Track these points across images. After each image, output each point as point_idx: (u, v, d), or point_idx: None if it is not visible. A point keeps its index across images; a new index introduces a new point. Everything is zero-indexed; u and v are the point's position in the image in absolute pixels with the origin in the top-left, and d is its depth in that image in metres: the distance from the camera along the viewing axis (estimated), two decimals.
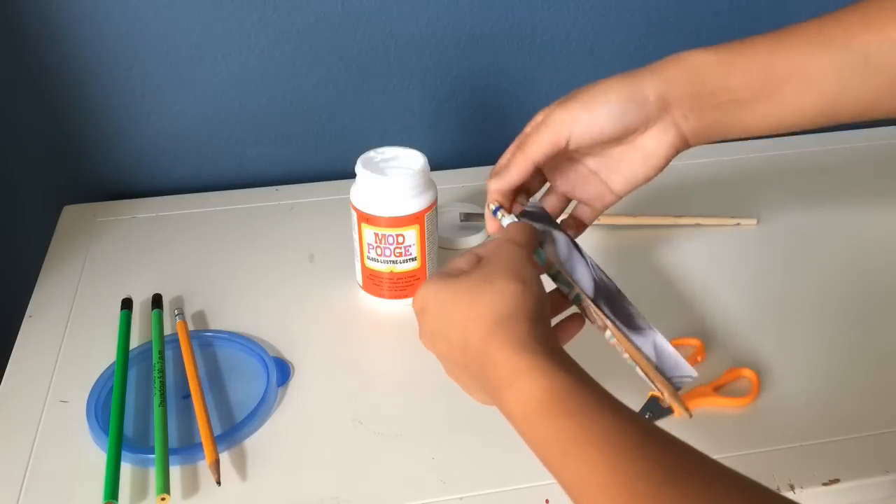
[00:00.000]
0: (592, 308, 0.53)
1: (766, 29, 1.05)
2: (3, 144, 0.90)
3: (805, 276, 0.78)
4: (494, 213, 0.56)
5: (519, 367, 0.44)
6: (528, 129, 0.57)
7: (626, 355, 0.52)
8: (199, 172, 0.95)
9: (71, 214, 0.89)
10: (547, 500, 0.57)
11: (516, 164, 0.55)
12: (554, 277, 0.54)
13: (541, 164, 0.55)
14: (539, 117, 0.56)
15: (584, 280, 0.54)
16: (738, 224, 0.85)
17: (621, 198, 0.58)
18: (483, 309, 0.47)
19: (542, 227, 0.55)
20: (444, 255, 0.80)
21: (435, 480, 0.58)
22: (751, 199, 0.87)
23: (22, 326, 0.73)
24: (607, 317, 0.52)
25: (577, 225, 0.60)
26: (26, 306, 0.75)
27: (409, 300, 0.74)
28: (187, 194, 0.92)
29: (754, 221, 0.85)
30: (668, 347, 0.52)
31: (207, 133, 0.93)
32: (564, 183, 0.59)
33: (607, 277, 0.54)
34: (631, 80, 0.53)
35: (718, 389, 0.65)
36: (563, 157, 0.57)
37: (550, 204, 0.59)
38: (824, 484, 0.57)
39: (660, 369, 0.51)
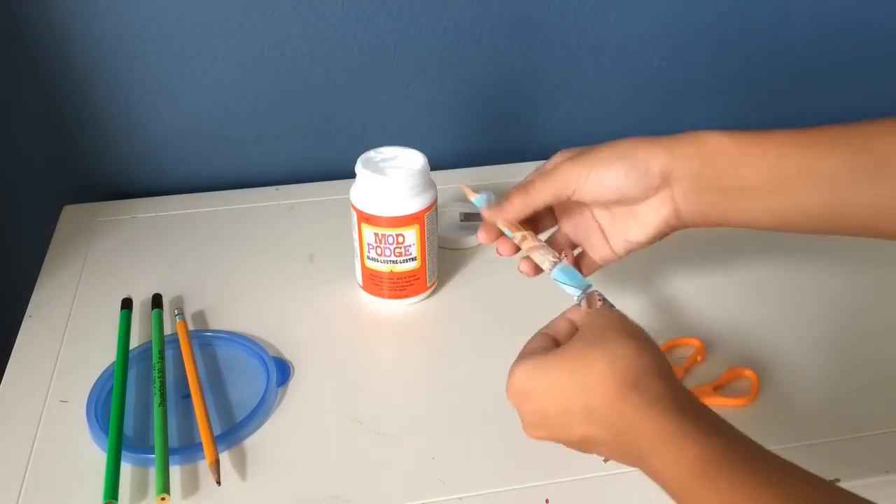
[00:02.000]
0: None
1: (766, 28, 1.06)
2: (3, 144, 0.90)
3: (805, 275, 0.78)
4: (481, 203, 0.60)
5: (664, 430, 0.42)
6: (539, 171, 0.58)
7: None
8: (199, 172, 0.95)
9: (71, 214, 0.89)
10: (547, 500, 0.57)
11: (516, 204, 0.56)
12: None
13: (540, 210, 0.57)
14: (550, 164, 0.58)
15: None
16: None
17: (620, 258, 0.59)
18: (605, 372, 0.45)
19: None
20: (444, 255, 0.80)
21: (435, 480, 0.58)
22: None
23: (22, 326, 0.73)
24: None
25: None
26: (26, 306, 0.75)
27: (409, 300, 0.74)
28: (187, 194, 0.92)
29: None
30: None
31: (207, 133, 0.93)
32: (570, 226, 0.60)
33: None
34: (638, 150, 0.53)
35: (718, 389, 0.65)
36: (573, 203, 0.58)
37: (556, 243, 0.61)
38: None
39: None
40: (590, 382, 0.45)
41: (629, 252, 0.59)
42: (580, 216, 0.59)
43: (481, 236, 0.59)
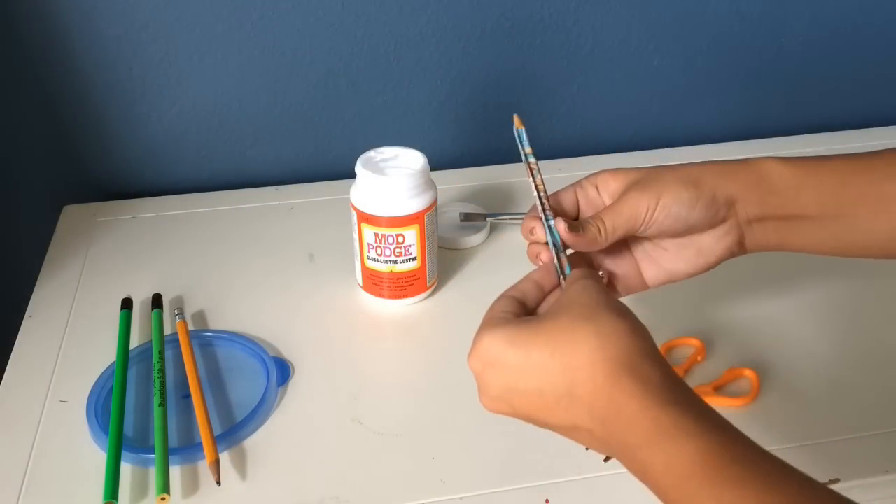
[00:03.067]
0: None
1: (766, 28, 1.06)
2: (4, 144, 0.90)
3: (805, 275, 0.78)
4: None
5: (660, 423, 0.38)
6: (579, 188, 0.54)
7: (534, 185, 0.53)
8: (199, 172, 0.95)
9: (71, 214, 0.89)
10: (547, 500, 0.57)
11: (589, 239, 0.51)
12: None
13: (612, 241, 0.52)
14: (609, 191, 0.53)
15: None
16: None
17: (648, 288, 0.56)
18: (594, 353, 0.41)
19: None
20: (444, 255, 0.80)
21: (435, 480, 0.58)
22: None
23: (22, 326, 0.73)
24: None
25: None
26: (26, 306, 0.75)
27: (409, 300, 0.74)
28: (187, 194, 0.92)
29: None
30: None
31: (207, 133, 0.93)
32: (600, 252, 0.55)
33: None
34: (704, 177, 0.51)
35: (718, 389, 0.65)
36: None
37: (576, 260, 0.55)
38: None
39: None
40: (575, 363, 0.41)
41: (663, 283, 0.55)
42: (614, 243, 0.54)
43: (528, 228, 0.53)
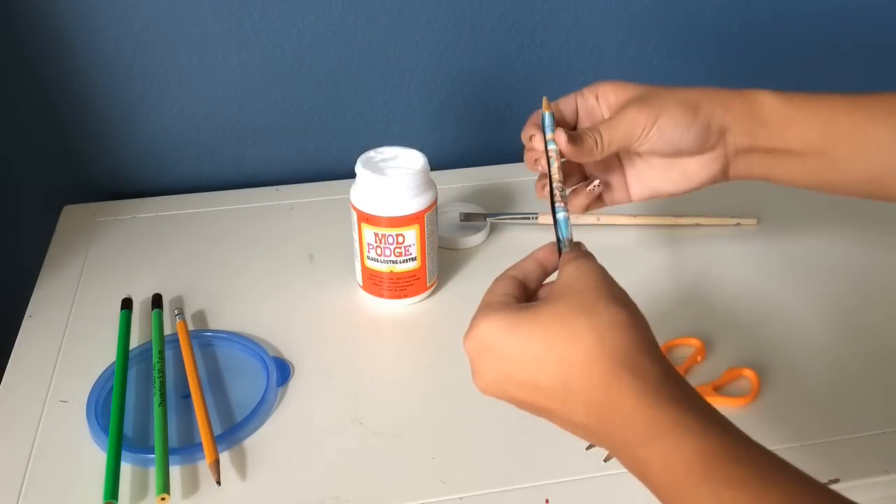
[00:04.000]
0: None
1: (765, 29, 1.06)
2: (4, 144, 0.90)
3: (805, 275, 0.78)
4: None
5: (659, 420, 0.38)
6: (587, 96, 0.56)
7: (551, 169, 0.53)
8: (199, 172, 0.95)
9: (71, 214, 0.89)
10: (547, 500, 0.57)
11: (586, 151, 0.53)
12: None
13: (607, 154, 0.54)
14: (609, 101, 0.55)
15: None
16: (738, 224, 0.85)
17: (631, 201, 0.59)
18: (592, 349, 0.40)
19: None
20: (444, 255, 0.80)
21: (435, 480, 0.58)
22: (751, 199, 0.87)
23: (22, 326, 0.73)
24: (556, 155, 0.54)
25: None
26: (26, 306, 0.75)
27: (409, 300, 0.74)
28: (187, 194, 0.92)
29: (754, 221, 0.85)
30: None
31: (207, 133, 0.93)
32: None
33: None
34: (702, 103, 0.53)
35: (718, 389, 0.65)
36: None
37: (568, 172, 0.57)
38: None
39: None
40: (572, 358, 0.40)
41: (647, 199, 0.58)
42: None
43: (529, 159, 0.57)
